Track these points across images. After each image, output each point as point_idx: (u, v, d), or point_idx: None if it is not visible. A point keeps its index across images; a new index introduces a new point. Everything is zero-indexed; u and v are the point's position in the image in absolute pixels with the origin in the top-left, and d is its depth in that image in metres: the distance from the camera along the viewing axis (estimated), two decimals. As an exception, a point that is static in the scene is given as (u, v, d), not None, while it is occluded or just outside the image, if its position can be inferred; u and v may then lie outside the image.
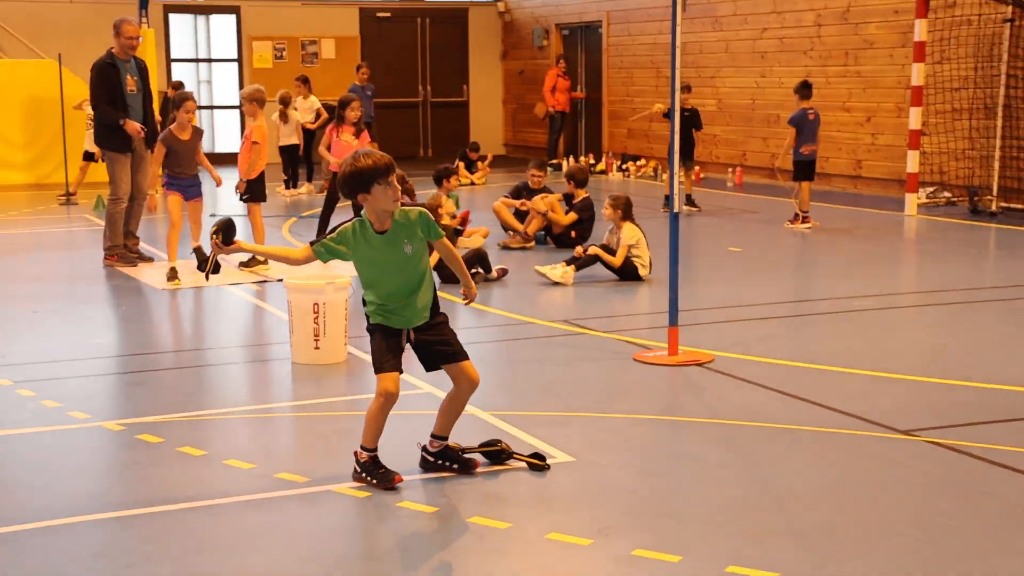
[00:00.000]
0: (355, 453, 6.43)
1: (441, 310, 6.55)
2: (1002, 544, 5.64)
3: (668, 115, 9.90)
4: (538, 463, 6.61)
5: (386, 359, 6.33)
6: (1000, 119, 17.46)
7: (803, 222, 16.04)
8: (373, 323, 6.42)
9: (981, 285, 12.32)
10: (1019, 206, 17.07)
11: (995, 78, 17.54)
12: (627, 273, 12.35)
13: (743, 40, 22.35)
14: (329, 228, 6.66)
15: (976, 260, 14.07)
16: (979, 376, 8.60)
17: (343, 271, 11.43)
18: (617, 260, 12.28)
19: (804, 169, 16.23)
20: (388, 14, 28.97)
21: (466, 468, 6.58)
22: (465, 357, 6.50)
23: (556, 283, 12.16)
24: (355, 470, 6.40)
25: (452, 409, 6.59)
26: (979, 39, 17.79)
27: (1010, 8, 17.12)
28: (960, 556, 5.49)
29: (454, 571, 5.45)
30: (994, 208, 17.24)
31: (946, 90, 18.05)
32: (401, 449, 6.60)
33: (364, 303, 6.46)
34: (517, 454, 6.69)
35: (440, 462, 6.58)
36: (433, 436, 6.61)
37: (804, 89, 16.50)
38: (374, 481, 6.31)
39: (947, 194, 18.09)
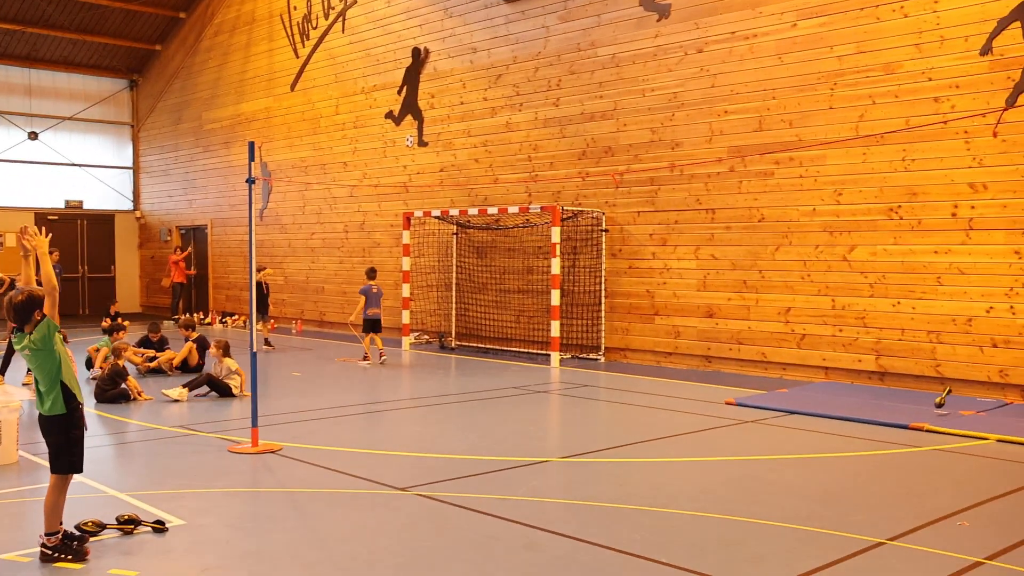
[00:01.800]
0: (42, 540, 5.62)
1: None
2: (455, 554, 5.75)
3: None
4: (159, 527, 6.23)
5: None
6: (454, 291, 18.13)
7: (365, 360, 15.52)
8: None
9: (447, 392, 12.64)
10: (468, 344, 17.68)
11: (450, 266, 18.22)
12: (225, 392, 11.93)
13: (299, 239, 22.34)
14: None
15: (444, 377, 14.35)
16: (444, 450, 8.78)
17: (18, 396, 10.50)
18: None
19: (370, 325, 15.57)
20: (56, 217, 27.12)
21: (80, 556, 5.62)
22: (60, 472, 5.77)
23: (175, 400, 11.58)
24: (45, 554, 5.57)
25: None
26: (439, 243, 18.50)
27: (456, 227, 17.94)
28: (431, 565, 5.58)
29: (99, 608, 5.01)
30: (453, 344, 17.77)
31: (423, 273, 18.64)
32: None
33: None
34: (144, 521, 6.27)
35: (56, 555, 5.60)
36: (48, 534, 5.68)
37: (371, 272, 16.01)
38: (70, 557, 5.56)
39: (426, 336, 18.53)
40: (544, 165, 16.58)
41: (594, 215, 15.69)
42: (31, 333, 5.76)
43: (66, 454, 5.78)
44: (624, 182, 15.29)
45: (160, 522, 6.28)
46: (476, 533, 6.22)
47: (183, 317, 15.08)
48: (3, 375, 12.98)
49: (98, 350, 13.68)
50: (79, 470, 5.87)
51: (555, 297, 15.42)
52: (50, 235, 6.06)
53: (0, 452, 8.15)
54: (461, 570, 5.51)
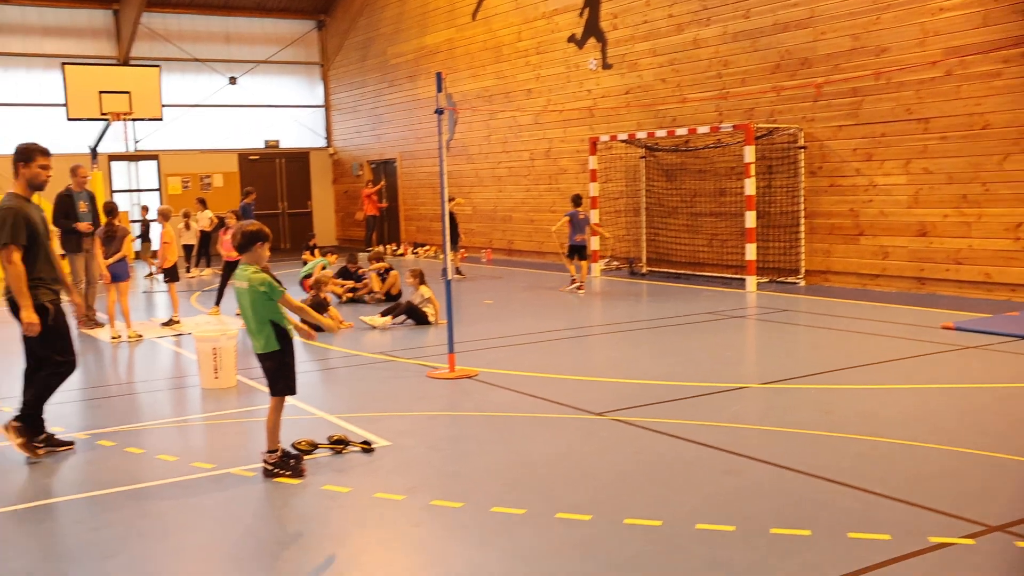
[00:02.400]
0: (264, 457, 5.99)
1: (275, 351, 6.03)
2: (655, 479, 5.72)
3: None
4: (367, 447, 6.49)
5: None
6: (644, 216, 17.89)
7: (574, 285, 15.29)
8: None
9: (639, 318, 12.49)
10: (659, 269, 17.46)
11: (638, 191, 17.97)
12: (422, 320, 12.24)
13: (486, 169, 22.54)
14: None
15: (636, 303, 14.22)
16: (640, 375, 8.71)
17: (233, 325, 11.11)
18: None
19: (575, 251, 15.42)
20: (257, 157, 28.47)
21: (297, 473, 5.96)
22: (278, 395, 6.05)
23: (375, 327, 11.98)
24: (266, 470, 5.95)
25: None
26: (627, 168, 18.24)
27: (644, 150, 17.62)
28: (631, 488, 5.56)
29: (315, 521, 5.27)
30: (644, 270, 17.61)
31: (611, 199, 18.47)
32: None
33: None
34: (353, 442, 6.55)
35: (276, 470, 5.97)
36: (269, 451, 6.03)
37: (577, 199, 15.72)
38: (288, 473, 5.91)
39: (616, 262, 18.44)
40: (735, 81, 15.99)
41: (790, 132, 15.04)
42: (250, 267, 5.98)
43: (282, 379, 6.04)
44: (823, 94, 14.56)
45: (367, 442, 6.53)
46: (675, 458, 6.15)
47: (373, 250, 15.53)
48: (218, 306, 13.80)
49: (324, 268, 14.34)
50: (293, 392, 6.13)
51: (750, 219, 14.96)
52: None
53: (221, 376, 8.72)
54: (661, 494, 5.46)
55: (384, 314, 12.23)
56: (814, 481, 5.57)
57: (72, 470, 6.36)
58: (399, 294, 14.52)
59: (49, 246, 6.80)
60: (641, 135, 16.97)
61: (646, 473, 5.87)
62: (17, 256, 6.48)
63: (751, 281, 14.84)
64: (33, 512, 5.48)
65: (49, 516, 5.41)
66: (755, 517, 5.03)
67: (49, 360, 6.69)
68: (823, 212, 14.78)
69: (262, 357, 6.04)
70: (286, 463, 5.96)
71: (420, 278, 12.54)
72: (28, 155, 6.68)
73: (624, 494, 5.48)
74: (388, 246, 25.75)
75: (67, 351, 6.77)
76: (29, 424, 6.62)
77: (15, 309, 6.60)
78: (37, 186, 6.77)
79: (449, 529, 5.03)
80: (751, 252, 14.97)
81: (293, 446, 6.30)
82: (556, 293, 15.32)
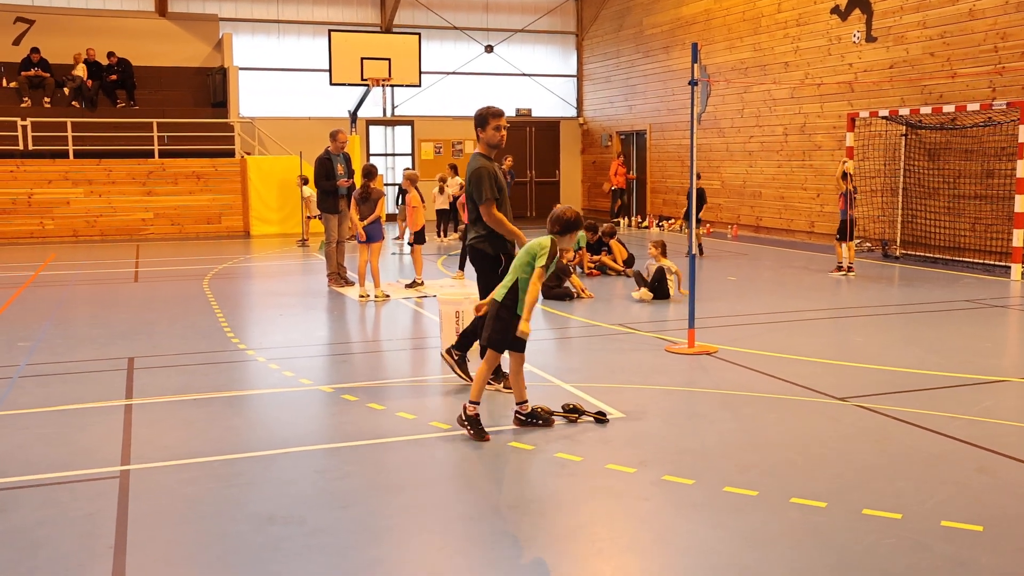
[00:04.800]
0: (464, 406, 6.25)
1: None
2: (898, 470, 5.49)
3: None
4: (601, 418, 6.54)
5: None
6: (901, 196, 16.97)
7: (849, 271, 14.36)
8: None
9: (891, 303, 11.91)
10: (913, 252, 16.55)
11: (897, 170, 17.05)
12: (662, 294, 12.17)
13: (737, 143, 22.03)
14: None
15: (887, 287, 13.51)
16: (888, 362, 8.33)
17: (475, 289, 11.46)
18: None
19: (848, 229, 14.36)
20: (508, 125, 28.99)
21: (547, 424, 6.37)
22: (487, 346, 6.29)
23: (640, 300, 12.06)
24: (462, 418, 6.22)
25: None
26: (886, 145, 17.32)
27: (904, 127, 16.69)
28: (871, 478, 5.36)
29: (546, 487, 5.37)
30: (898, 253, 16.74)
31: (866, 177, 17.60)
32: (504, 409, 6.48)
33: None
34: (587, 411, 6.62)
35: (531, 420, 6.39)
36: (519, 403, 6.44)
37: (846, 176, 14.58)
38: (472, 432, 6.14)
39: (868, 244, 17.63)
40: (1014, 55, 14.81)
41: (1074, 110, 13.81)
42: (551, 247, 6.24)
43: (499, 332, 6.25)
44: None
45: (602, 413, 6.59)
46: (921, 451, 5.85)
47: (605, 224, 15.48)
48: (462, 270, 14.27)
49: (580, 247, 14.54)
50: (499, 351, 6.32)
51: (1020, 203, 13.88)
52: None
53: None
54: (903, 486, 5.22)
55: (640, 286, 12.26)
56: (1077, 489, 5.17)
57: (317, 422, 6.76)
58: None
59: (507, 200, 7.51)
60: (904, 112, 16.06)
61: (888, 464, 5.63)
62: (495, 208, 7.30)
63: (1016, 269, 13.79)
64: (277, 459, 5.81)
65: (293, 464, 5.71)
66: (1007, 519, 4.74)
67: None
68: (1107, 198, 13.48)
69: (499, 306, 6.28)
70: (474, 422, 6.15)
71: (662, 249, 12.43)
72: (483, 120, 7.52)
73: (864, 483, 5.28)
74: (633, 218, 25.71)
75: None
76: (464, 352, 7.50)
77: (475, 256, 7.47)
78: (494, 145, 7.58)
79: (679, 505, 5.01)
80: (1018, 238, 13.89)
81: (533, 410, 6.46)
82: (803, 272, 14.83)
